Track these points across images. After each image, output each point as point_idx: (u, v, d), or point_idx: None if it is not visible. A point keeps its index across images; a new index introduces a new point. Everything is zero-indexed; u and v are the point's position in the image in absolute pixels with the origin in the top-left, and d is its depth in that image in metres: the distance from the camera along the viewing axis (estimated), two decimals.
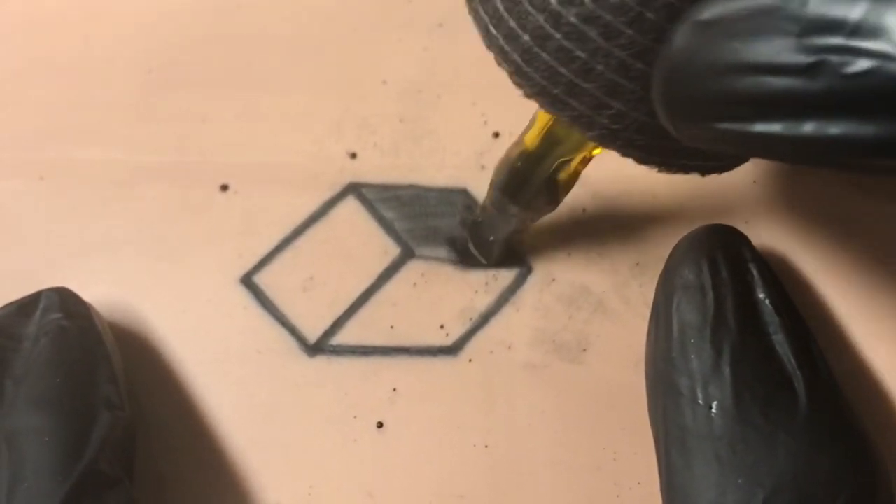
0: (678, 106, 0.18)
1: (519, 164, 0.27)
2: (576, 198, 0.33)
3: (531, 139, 0.26)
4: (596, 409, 0.30)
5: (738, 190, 0.33)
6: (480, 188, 0.33)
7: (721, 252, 0.27)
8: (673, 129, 0.18)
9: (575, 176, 0.28)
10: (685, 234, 0.29)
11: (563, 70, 0.19)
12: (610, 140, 0.21)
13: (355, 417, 0.29)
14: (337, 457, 0.29)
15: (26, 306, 0.28)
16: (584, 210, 0.32)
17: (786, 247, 0.31)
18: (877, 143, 0.14)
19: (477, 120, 0.34)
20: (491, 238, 0.31)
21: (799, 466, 0.24)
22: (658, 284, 0.28)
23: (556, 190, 0.28)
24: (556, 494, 0.29)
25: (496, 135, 0.34)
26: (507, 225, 0.29)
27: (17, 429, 0.25)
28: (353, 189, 0.33)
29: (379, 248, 0.32)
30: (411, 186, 0.33)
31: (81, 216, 0.32)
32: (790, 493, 0.23)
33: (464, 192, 0.33)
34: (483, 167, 0.33)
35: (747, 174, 0.33)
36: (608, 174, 0.33)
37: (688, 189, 0.33)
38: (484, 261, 0.32)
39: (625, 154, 0.21)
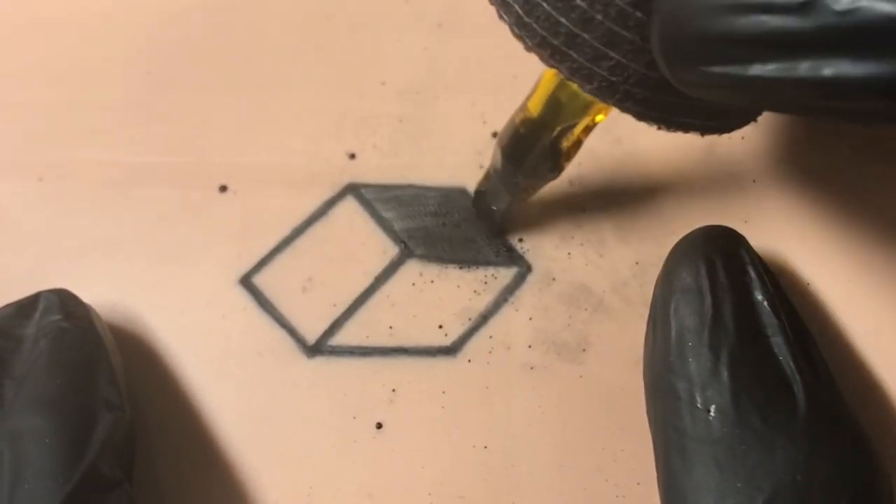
0: (675, 48, 0.18)
1: (522, 129, 0.27)
2: (576, 197, 0.33)
3: (534, 105, 0.26)
4: (596, 410, 0.30)
5: (738, 189, 0.33)
6: None
7: (719, 254, 0.27)
8: (670, 75, 0.18)
9: (578, 144, 0.27)
10: (685, 233, 0.29)
11: (562, 20, 0.20)
12: (609, 93, 0.21)
13: (355, 418, 0.30)
14: (336, 457, 0.29)
15: (25, 307, 0.28)
16: (583, 210, 0.32)
17: (785, 246, 0.31)
18: (867, 83, 0.14)
19: (476, 120, 0.34)
20: (494, 207, 0.31)
21: (798, 470, 0.23)
22: (656, 287, 0.28)
23: (559, 157, 0.27)
24: (556, 495, 0.29)
25: (495, 134, 0.33)
26: (510, 193, 0.29)
27: (18, 430, 0.25)
28: (353, 189, 0.33)
29: (378, 248, 0.32)
30: (410, 186, 0.33)
31: (80, 217, 0.32)
32: (790, 497, 0.23)
33: (463, 192, 0.33)
34: (482, 166, 0.33)
35: (747, 173, 0.33)
36: (608, 174, 0.33)
37: (688, 188, 0.33)
38: (487, 230, 0.32)
39: (623, 108, 0.21)
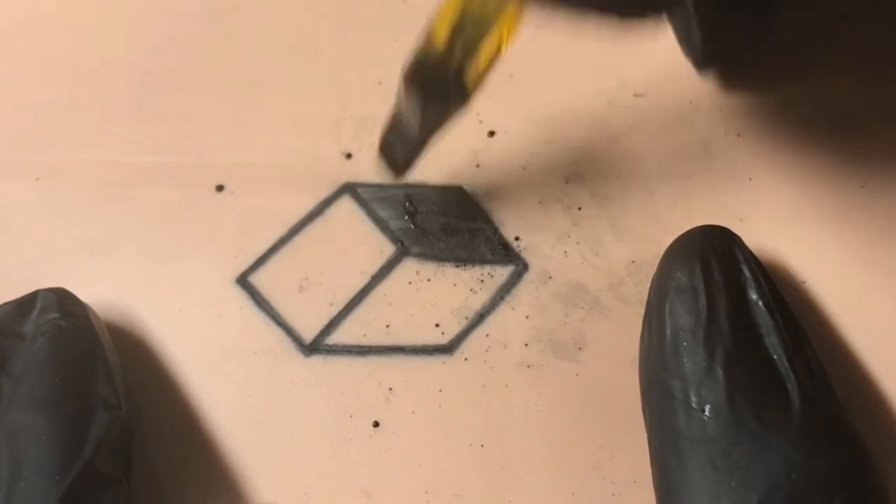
0: None
1: (426, 58, 0.27)
2: (572, 196, 0.33)
3: (438, 31, 0.26)
4: (592, 408, 0.30)
5: (734, 187, 0.33)
6: (476, 186, 0.33)
7: (713, 253, 0.27)
8: None
9: (483, 74, 0.27)
10: (681, 231, 0.29)
11: None
12: None
13: (351, 417, 0.30)
14: (333, 456, 0.29)
15: (23, 305, 0.28)
16: (579, 208, 0.32)
17: (781, 245, 0.31)
18: None
19: (472, 119, 0.34)
20: (399, 144, 0.30)
21: (793, 469, 0.23)
22: (651, 286, 0.28)
23: (464, 84, 0.27)
24: (553, 493, 0.29)
25: (491, 133, 0.34)
26: (417, 128, 0.29)
27: (15, 428, 0.25)
28: (349, 189, 0.33)
29: (374, 247, 0.32)
30: (407, 186, 0.33)
31: (78, 217, 0.32)
32: (784, 497, 0.23)
33: (460, 191, 0.33)
34: (478, 165, 0.33)
35: (743, 171, 0.33)
36: (604, 172, 0.33)
37: (684, 186, 0.33)
38: (391, 169, 0.31)
39: None
